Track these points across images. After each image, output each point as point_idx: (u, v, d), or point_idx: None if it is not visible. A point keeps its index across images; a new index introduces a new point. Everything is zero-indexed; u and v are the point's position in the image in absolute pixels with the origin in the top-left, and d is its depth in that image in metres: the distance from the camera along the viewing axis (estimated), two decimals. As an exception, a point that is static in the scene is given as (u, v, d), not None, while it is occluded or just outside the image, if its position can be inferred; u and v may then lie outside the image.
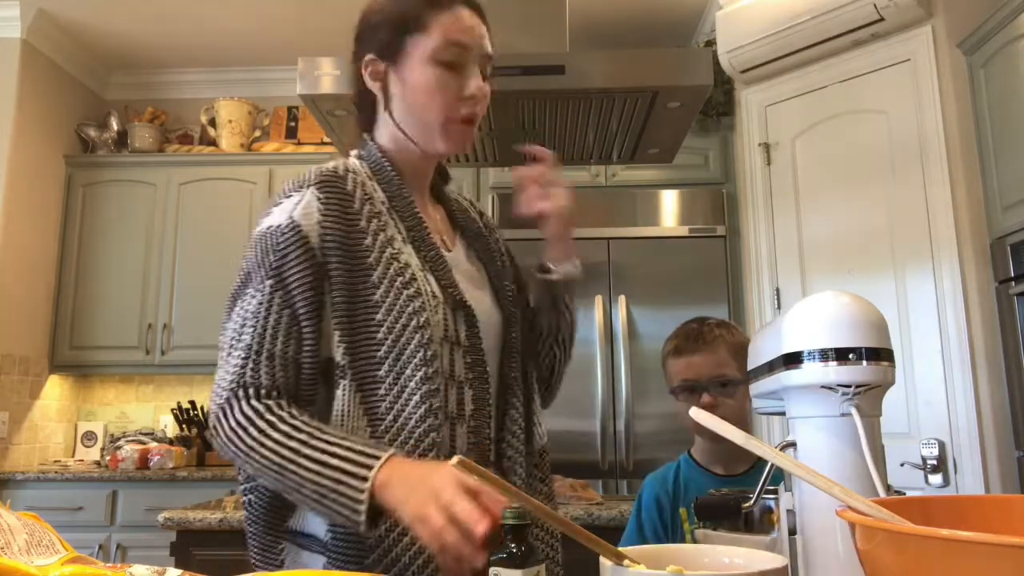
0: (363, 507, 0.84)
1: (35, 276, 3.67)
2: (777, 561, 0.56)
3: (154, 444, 3.52)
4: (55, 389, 3.83)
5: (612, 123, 1.93)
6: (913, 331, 2.56)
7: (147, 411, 4.00)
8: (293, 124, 4.20)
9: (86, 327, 3.76)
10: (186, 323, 3.75)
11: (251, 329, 0.94)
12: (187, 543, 1.80)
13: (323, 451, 0.87)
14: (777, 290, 3.01)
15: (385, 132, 1.07)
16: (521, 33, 1.97)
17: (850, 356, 0.79)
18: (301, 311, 0.94)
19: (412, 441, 0.93)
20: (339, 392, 0.95)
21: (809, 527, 0.79)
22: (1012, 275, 2.34)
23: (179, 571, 0.58)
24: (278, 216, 0.97)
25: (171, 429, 3.87)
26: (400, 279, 0.96)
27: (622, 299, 3.29)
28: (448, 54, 1.01)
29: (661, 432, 3.17)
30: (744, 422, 1.39)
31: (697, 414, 0.67)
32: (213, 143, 4.09)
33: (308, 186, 0.99)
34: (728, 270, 3.33)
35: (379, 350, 0.95)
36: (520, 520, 0.76)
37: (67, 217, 3.86)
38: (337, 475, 0.86)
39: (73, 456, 3.92)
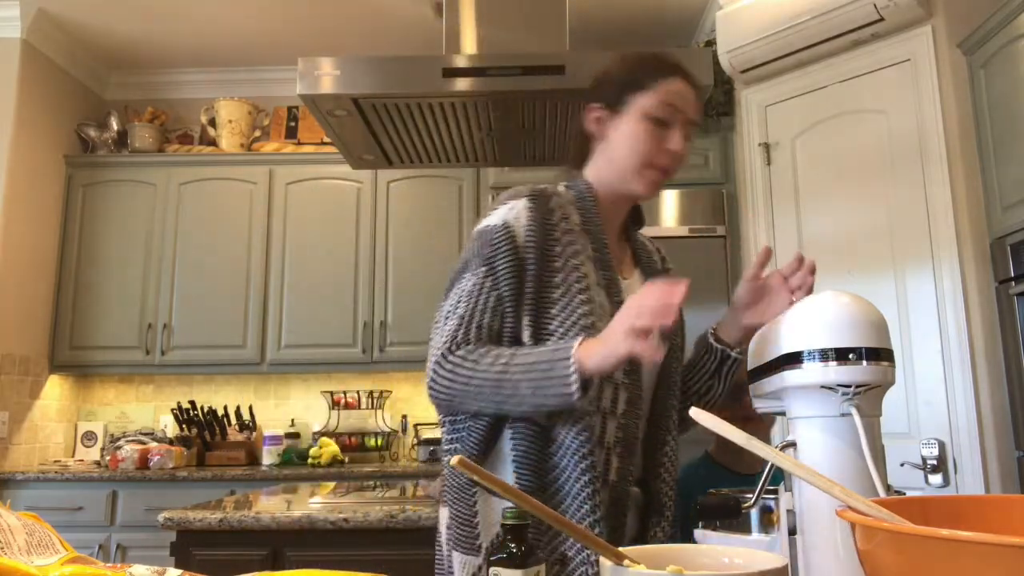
0: (574, 377, 1.03)
1: (35, 276, 3.67)
2: (777, 561, 0.56)
3: (154, 444, 3.52)
4: (55, 389, 3.83)
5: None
6: (913, 331, 2.56)
7: (147, 411, 4.01)
8: (293, 124, 4.21)
9: (86, 327, 3.76)
10: (186, 323, 3.76)
11: (465, 304, 1.15)
12: (187, 543, 1.80)
13: (527, 356, 1.08)
14: (777, 290, 3.01)
15: (593, 170, 1.27)
16: (521, 33, 1.97)
17: (850, 356, 0.79)
18: (505, 294, 1.15)
19: (571, 421, 1.11)
20: None
21: (809, 527, 0.79)
22: (1012, 275, 2.34)
23: (179, 571, 0.58)
24: (495, 218, 1.19)
25: (171, 429, 3.87)
26: (577, 286, 1.16)
27: (622, 299, 3.28)
28: (660, 112, 1.20)
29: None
30: None
31: (697, 414, 0.67)
32: (213, 143, 4.09)
33: (522, 197, 1.20)
34: (728, 270, 3.33)
35: (550, 340, 1.14)
36: (520, 520, 0.76)
37: (67, 217, 3.86)
38: (545, 366, 1.06)
39: (73, 456, 3.92)
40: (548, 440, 1.13)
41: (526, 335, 1.15)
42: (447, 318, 1.17)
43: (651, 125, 1.20)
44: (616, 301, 1.19)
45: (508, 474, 1.14)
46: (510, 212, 1.18)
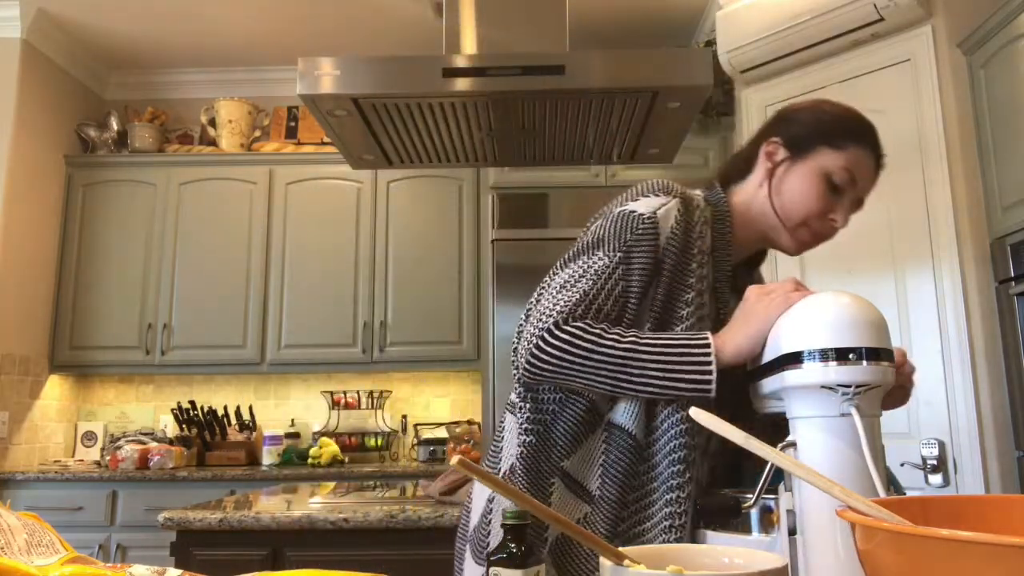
0: (712, 364, 0.99)
1: (35, 276, 3.67)
2: (777, 561, 0.56)
3: (154, 444, 3.52)
4: (55, 389, 3.83)
5: (612, 123, 1.93)
6: (913, 331, 2.56)
7: (147, 411, 4.01)
8: (293, 124, 4.21)
9: (86, 327, 3.77)
10: (186, 323, 3.76)
11: (591, 282, 1.07)
12: (187, 543, 1.80)
13: (657, 338, 1.02)
14: (777, 290, 3.01)
15: (745, 196, 1.20)
16: (521, 33, 1.97)
17: (850, 356, 0.79)
18: (632, 288, 1.08)
19: (670, 447, 1.05)
20: None
21: (809, 527, 0.79)
22: (1012, 275, 2.34)
23: (179, 571, 0.58)
24: (643, 207, 1.10)
25: (171, 429, 3.87)
26: (698, 303, 1.10)
27: (622, 299, 3.28)
28: (839, 177, 1.12)
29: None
30: None
31: (697, 414, 0.67)
32: (213, 143, 4.09)
33: (674, 196, 1.12)
34: (728, 270, 3.33)
35: None
36: (520, 520, 0.76)
37: (67, 217, 3.86)
38: (680, 348, 1.00)
39: (73, 456, 3.93)
40: (641, 458, 1.06)
41: None
42: (565, 287, 1.09)
43: (825, 186, 1.13)
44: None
45: (593, 478, 1.08)
46: (661, 207, 1.10)
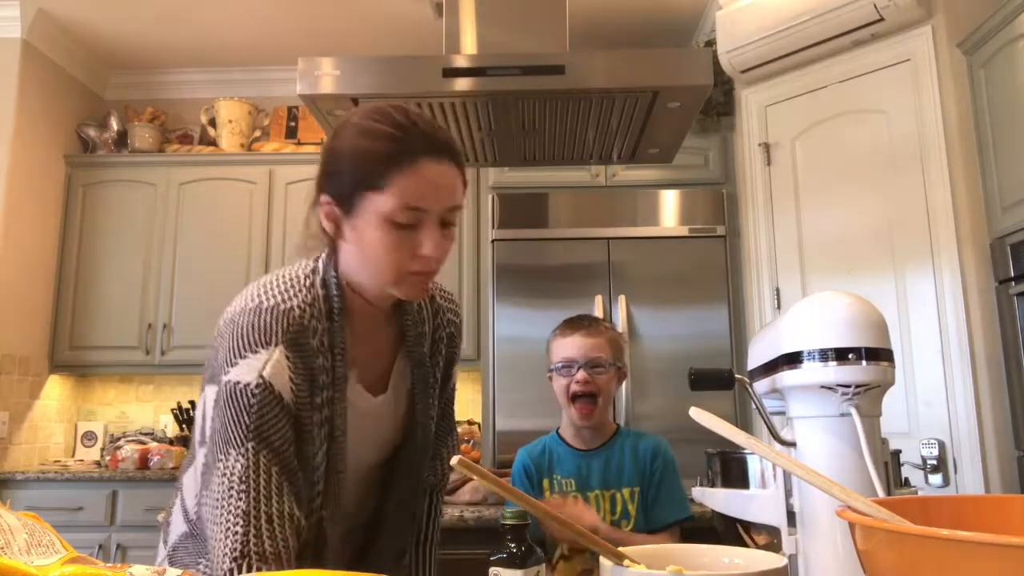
0: None
1: (35, 276, 3.67)
2: (777, 561, 0.56)
3: (154, 444, 3.52)
4: (55, 389, 3.83)
5: (612, 123, 1.93)
6: (913, 331, 2.56)
7: (147, 411, 4.00)
8: (293, 124, 4.20)
9: (86, 327, 3.76)
10: (186, 323, 3.75)
11: (243, 494, 0.90)
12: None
13: None
14: (777, 290, 3.01)
15: (343, 266, 1.03)
16: (521, 33, 1.97)
17: (850, 356, 0.79)
18: (288, 459, 0.93)
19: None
20: None
21: (809, 527, 0.79)
22: (1012, 275, 2.34)
23: (179, 571, 0.58)
24: (247, 374, 0.93)
25: (171, 429, 3.87)
26: (322, 422, 0.98)
27: (622, 299, 3.28)
28: (404, 217, 0.94)
29: (661, 431, 3.15)
30: (608, 403, 1.66)
31: (697, 415, 0.67)
32: (213, 143, 4.09)
33: (275, 346, 0.94)
34: (728, 270, 3.33)
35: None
36: (520, 520, 0.76)
37: (67, 217, 3.86)
38: None
39: (73, 456, 3.92)
40: None
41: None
42: (221, 506, 0.91)
43: (395, 232, 0.95)
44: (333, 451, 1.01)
45: None
46: (265, 368, 0.93)
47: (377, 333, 1.09)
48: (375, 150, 0.95)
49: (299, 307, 0.98)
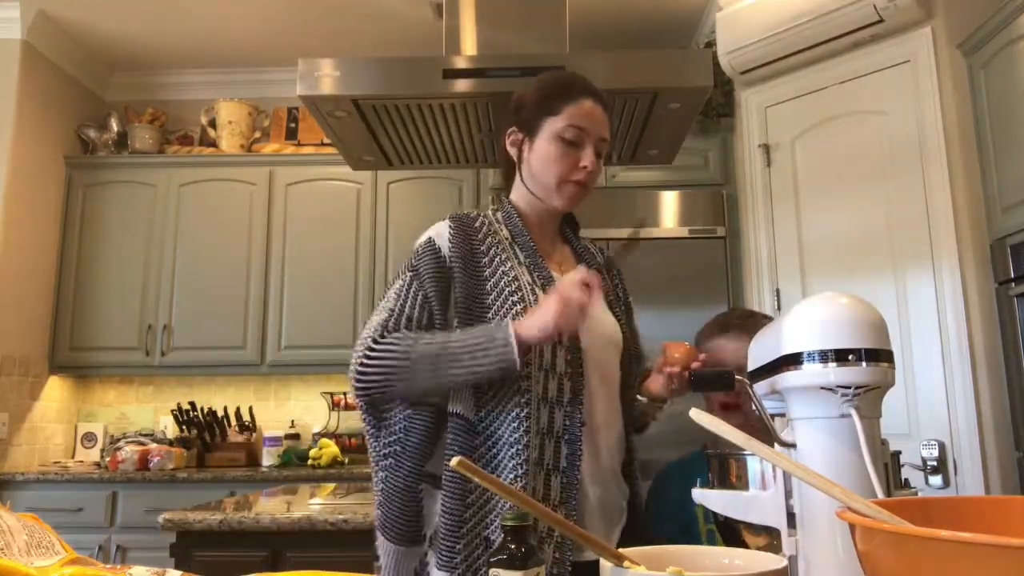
0: (512, 341, 1.14)
1: (35, 276, 3.67)
2: (777, 561, 0.56)
3: (154, 445, 3.52)
4: (55, 390, 3.83)
5: (612, 124, 1.93)
6: (913, 332, 2.57)
7: (147, 412, 4.00)
8: (293, 125, 4.21)
9: (86, 328, 3.76)
10: (186, 324, 3.76)
11: (394, 299, 1.25)
12: (187, 544, 1.80)
13: (463, 335, 1.18)
14: (777, 291, 3.01)
15: (517, 191, 1.38)
16: (521, 34, 1.98)
17: (850, 357, 0.79)
18: (431, 294, 1.24)
19: (503, 413, 1.21)
20: None
21: (809, 527, 0.79)
22: (1012, 276, 2.34)
23: (179, 572, 0.58)
24: (420, 238, 1.31)
25: (171, 430, 3.87)
26: (508, 289, 1.25)
27: (622, 300, 3.28)
28: (569, 134, 1.30)
29: (664, 432, 3.16)
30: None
31: (697, 415, 0.67)
32: (213, 144, 4.09)
33: (444, 220, 1.32)
34: (728, 271, 3.33)
35: None
36: (520, 521, 0.76)
37: (67, 218, 3.86)
38: (483, 336, 1.16)
39: (73, 457, 3.92)
40: (476, 432, 1.20)
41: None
42: (376, 312, 1.26)
43: (562, 146, 1.29)
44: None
45: (441, 465, 1.22)
46: (433, 230, 1.31)
47: (556, 247, 1.42)
48: (554, 88, 1.34)
49: (467, 212, 1.36)
